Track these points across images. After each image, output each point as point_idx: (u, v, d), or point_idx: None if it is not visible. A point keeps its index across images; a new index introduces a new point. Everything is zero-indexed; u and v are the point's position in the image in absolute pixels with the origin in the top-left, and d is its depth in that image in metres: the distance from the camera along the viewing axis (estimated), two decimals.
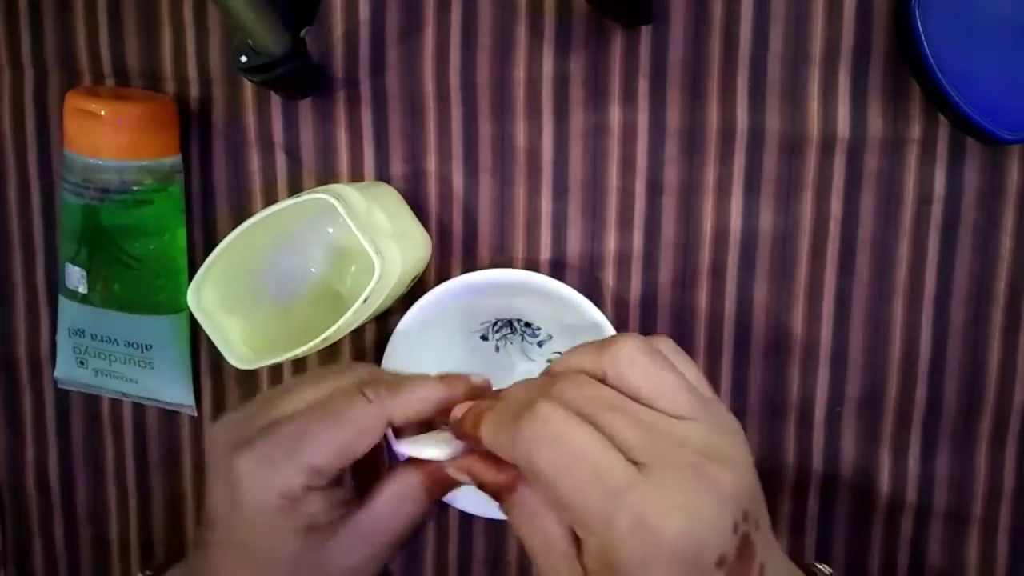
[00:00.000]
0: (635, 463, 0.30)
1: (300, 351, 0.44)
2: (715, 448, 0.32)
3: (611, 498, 0.30)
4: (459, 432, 0.36)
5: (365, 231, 0.43)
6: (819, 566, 0.42)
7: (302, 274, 0.49)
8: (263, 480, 0.35)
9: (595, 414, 0.32)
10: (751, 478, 0.32)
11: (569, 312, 0.46)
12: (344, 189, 0.44)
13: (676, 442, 0.31)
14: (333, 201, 0.42)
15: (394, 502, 0.37)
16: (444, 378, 0.39)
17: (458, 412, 0.36)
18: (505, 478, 0.34)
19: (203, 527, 0.38)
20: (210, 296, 0.46)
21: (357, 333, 0.51)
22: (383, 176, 0.49)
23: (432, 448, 0.37)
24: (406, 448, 0.38)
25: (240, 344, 0.46)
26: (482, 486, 0.35)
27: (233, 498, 0.35)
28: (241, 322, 0.47)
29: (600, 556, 0.30)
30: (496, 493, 0.34)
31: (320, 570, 0.36)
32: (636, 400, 0.33)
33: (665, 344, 0.35)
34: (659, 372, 0.33)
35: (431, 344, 0.48)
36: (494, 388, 0.48)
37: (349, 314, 0.43)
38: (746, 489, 0.31)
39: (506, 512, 0.34)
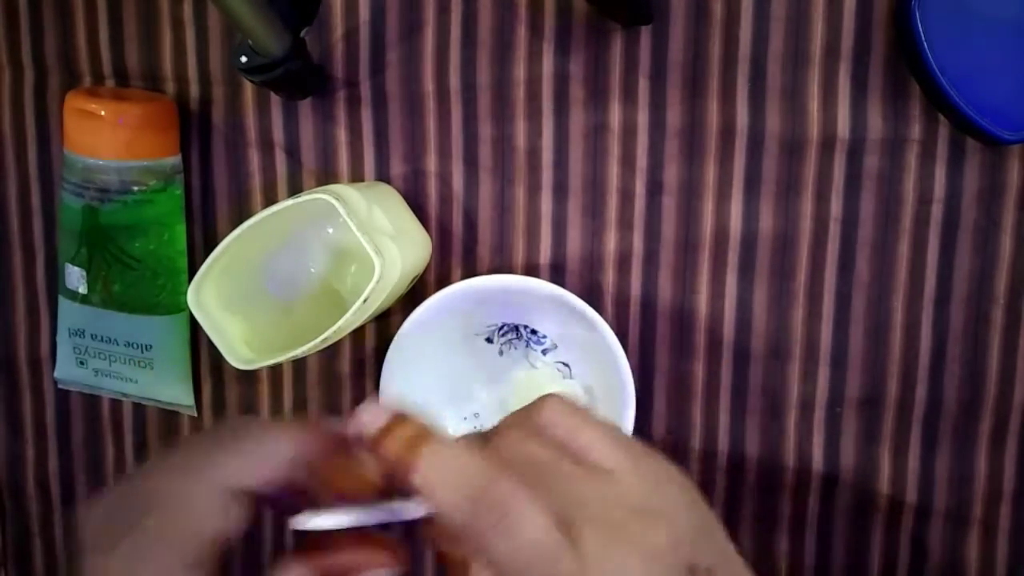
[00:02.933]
0: (567, 532, 0.28)
1: (300, 351, 0.44)
2: (646, 503, 0.30)
3: (549, 573, 0.28)
4: (378, 449, 0.31)
5: (365, 231, 0.43)
6: None
7: (302, 274, 0.49)
8: None
9: (533, 475, 0.30)
10: (695, 524, 0.30)
11: (574, 321, 0.46)
12: (344, 190, 0.44)
13: (603, 501, 0.30)
14: (333, 201, 0.42)
15: None
16: (291, 427, 0.32)
17: (373, 422, 0.31)
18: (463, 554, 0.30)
19: None
20: (210, 296, 0.46)
21: (358, 334, 0.51)
22: (383, 176, 0.49)
23: (327, 517, 0.30)
24: (297, 522, 0.30)
25: (240, 344, 0.46)
26: (440, 555, 0.31)
27: None
28: (241, 322, 0.47)
29: None
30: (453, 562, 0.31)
31: None
32: (566, 457, 0.31)
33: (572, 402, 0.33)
34: (583, 427, 0.32)
35: (433, 345, 0.48)
36: (496, 389, 0.48)
37: (349, 314, 0.43)
38: (688, 538, 0.30)
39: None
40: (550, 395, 0.33)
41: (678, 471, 0.32)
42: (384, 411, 0.32)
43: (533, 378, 0.50)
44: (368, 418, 0.32)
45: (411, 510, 0.30)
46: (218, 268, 0.45)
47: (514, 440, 0.32)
